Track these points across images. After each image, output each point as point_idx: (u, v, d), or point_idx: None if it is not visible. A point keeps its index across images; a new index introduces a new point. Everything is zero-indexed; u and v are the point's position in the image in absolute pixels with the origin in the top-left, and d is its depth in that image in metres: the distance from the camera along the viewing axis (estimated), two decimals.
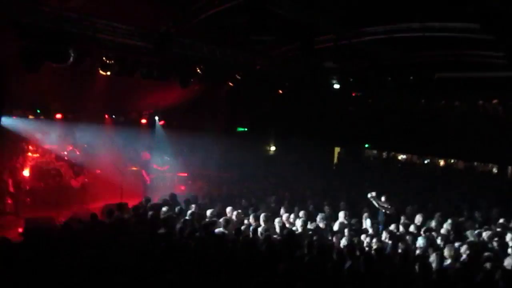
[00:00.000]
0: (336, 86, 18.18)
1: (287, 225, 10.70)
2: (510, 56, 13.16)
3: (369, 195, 12.27)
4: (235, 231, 9.61)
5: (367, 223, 10.99)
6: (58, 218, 12.64)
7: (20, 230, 11.64)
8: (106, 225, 9.96)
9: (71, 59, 10.38)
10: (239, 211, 11.55)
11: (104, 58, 12.08)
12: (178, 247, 8.23)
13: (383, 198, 12.10)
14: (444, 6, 11.81)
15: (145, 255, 7.51)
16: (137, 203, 12.55)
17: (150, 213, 10.85)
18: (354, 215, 11.68)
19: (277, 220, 10.66)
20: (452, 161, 23.35)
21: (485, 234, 9.92)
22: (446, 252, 8.55)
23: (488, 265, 7.81)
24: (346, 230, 10.01)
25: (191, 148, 20.29)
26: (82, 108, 16.53)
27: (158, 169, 18.28)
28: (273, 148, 23.24)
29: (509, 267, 7.84)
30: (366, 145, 25.00)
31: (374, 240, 9.53)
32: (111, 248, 8.02)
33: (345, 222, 11.00)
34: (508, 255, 8.66)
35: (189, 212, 10.86)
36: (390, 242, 9.41)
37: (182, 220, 10.23)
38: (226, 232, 9.68)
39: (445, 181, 18.84)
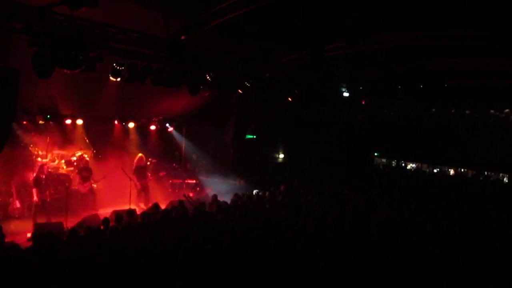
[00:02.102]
0: (346, 94, 18.16)
1: None
2: None
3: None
4: None
5: None
6: (67, 223, 12.68)
7: (29, 235, 11.69)
8: (115, 231, 9.96)
9: (82, 65, 10.43)
10: None
11: (114, 65, 12.14)
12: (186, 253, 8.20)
13: None
14: (455, 14, 11.78)
15: (153, 261, 7.50)
16: (146, 209, 12.58)
17: (158, 219, 10.85)
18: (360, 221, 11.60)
19: None
20: (463, 170, 23.16)
21: None
22: None
23: None
24: None
25: (200, 155, 20.33)
26: (92, 114, 16.59)
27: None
28: (281, 156, 23.20)
29: None
30: (376, 153, 24.91)
31: None
32: (119, 254, 8.01)
33: None
34: None
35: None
36: None
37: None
38: None
39: (455, 190, 18.65)
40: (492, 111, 18.85)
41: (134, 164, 16.97)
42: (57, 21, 10.11)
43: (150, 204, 14.07)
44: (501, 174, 21.41)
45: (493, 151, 18.22)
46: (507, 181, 20.90)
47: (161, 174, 17.53)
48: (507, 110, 18.30)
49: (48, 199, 13.86)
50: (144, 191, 16.57)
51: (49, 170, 14.89)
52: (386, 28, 13.79)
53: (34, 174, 14.06)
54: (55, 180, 15.22)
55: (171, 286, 6.67)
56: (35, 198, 13.52)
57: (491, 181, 21.74)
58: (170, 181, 18.35)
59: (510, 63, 14.19)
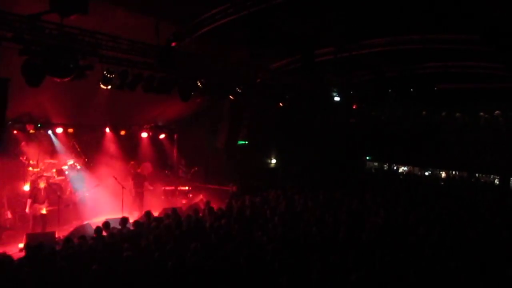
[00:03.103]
0: (337, 98, 18.21)
1: None
2: (511, 67, 13.22)
3: None
4: None
5: None
6: (59, 233, 12.57)
7: (21, 245, 11.58)
8: (107, 240, 9.89)
9: (73, 73, 10.38)
10: None
11: (105, 72, 12.09)
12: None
13: None
14: (445, 18, 11.87)
15: (146, 270, 7.46)
16: (138, 218, 12.51)
17: (151, 226, 10.79)
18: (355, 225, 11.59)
19: None
20: (454, 172, 23.27)
21: None
22: None
23: None
24: None
25: (192, 161, 20.27)
26: (83, 122, 16.51)
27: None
28: (274, 161, 23.20)
29: None
30: (368, 157, 24.99)
31: None
32: (112, 263, 7.95)
33: None
34: None
35: None
36: None
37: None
38: None
39: (446, 192, 18.73)
40: (481, 113, 18.98)
41: (135, 170, 17.04)
42: (47, 29, 10.08)
43: (143, 212, 14.01)
44: (492, 176, 21.55)
45: (483, 153, 18.35)
46: (498, 182, 21.03)
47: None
48: (497, 112, 18.44)
49: (46, 212, 13.69)
50: (138, 197, 16.52)
51: (49, 181, 14.80)
52: (376, 32, 13.86)
53: (29, 186, 13.93)
54: (47, 189, 15.10)
55: None
56: (27, 209, 13.40)
57: (482, 183, 21.86)
58: (163, 188, 18.27)
59: (499, 66, 14.31)
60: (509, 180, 20.11)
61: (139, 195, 16.64)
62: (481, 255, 9.47)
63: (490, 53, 13.31)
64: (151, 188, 17.26)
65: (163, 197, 18.03)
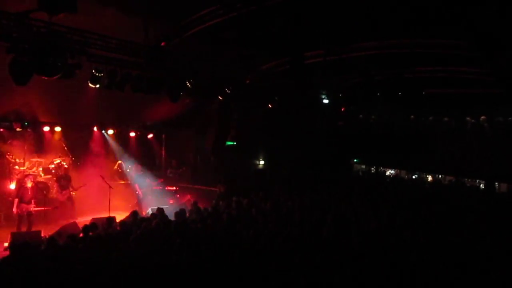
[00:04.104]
0: (326, 101, 18.28)
1: None
2: (497, 73, 13.36)
3: None
4: None
5: None
6: (45, 232, 12.49)
7: (6, 245, 11.48)
8: (93, 240, 9.84)
9: (61, 72, 10.33)
10: None
11: (94, 71, 12.06)
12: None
13: None
14: (433, 23, 11.97)
15: (131, 271, 7.43)
16: (124, 218, 12.47)
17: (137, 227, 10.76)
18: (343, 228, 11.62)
19: None
20: (440, 176, 23.44)
21: None
22: None
23: None
24: None
25: (180, 162, 20.25)
26: (71, 121, 16.43)
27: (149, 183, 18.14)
28: (262, 162, 23.22)
29: None
30: (355, 160, 25.10)
31: None
32: (98, 263, 7.92)
33: None
34: None
35: None
36: None
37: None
38: None
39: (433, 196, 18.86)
40: (468, 118, 19.17)
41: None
42: (35, 27, 10.02)
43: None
44: (477, 181, 21.74)
45: (469, 158, 18.53)
46: (483, 187, 21.23)
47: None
48: (483, 117, 18.62)
49: (33, 211, 13.59)
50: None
51: (36, 179, 14.71)
52: (365, 36, 13.93)
53: (15, 184, 13.84)
54: (33, 188, 15.01)
55: None
56: (14, 209, 13.29)
57: (468, 187, 22.05)
58: (151, 188, 18.23)
59: (485, 71, 14.46)
60: (494, 184, 20.31)
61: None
62: (465, 259, 9.57)
63: (477, 59, 13.44)
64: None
65: (149, 197, 17.99)
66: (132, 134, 18.86)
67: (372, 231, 11.52)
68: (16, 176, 15.02)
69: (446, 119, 19.92)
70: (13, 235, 11.58)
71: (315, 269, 8.09)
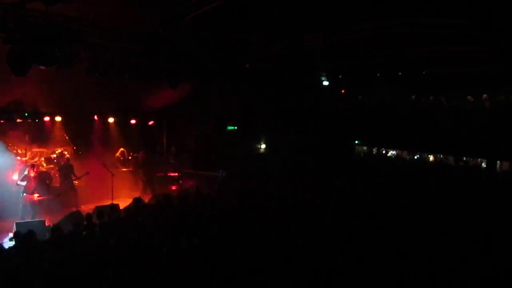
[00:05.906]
0: (326, 83, 18.22)
1: None
2: (498, 50, 13.28)
3: None
4: None
5: None
6: (49, 221, 12.57)
7: (11, 234, 11.56)
8: (98, 227, 9.91)
9: (59, 61, 10.31)
10: None
11: (92, 60, 12.01)
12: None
13: None
14: (432, 2, 11.87)
15: (136, 256, 7.48)
16: (128, 204, 12.54)
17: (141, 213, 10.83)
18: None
19: None
20: (442, 156, 23.43)
21: None
22: None
23: None
24: None
25: (181, 147, 20.28)
26: (71, 110, 16.43)
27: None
28: (263, 146, 23.24)
29: None
30: (357, 142, 25.09)
31: None
32: (103, 250, 7.99)
33: None
34: None
35: None
36: None
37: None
38: None
39: (435, 176, 18.88)
40: (469, 97, 19.09)
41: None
42: (31, 17, 9.96)
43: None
44: (479, 159, 21.74)
45: (471, 137, 18.46)
46: (485, 166, 21.23)
47: None
48: (484, 96, 18.55)
49: (37, 201, 13.67)
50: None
51: (39, 169, 14.77)
52: (365, 17, 13.82)
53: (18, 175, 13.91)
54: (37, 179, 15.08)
55: (153, 283, 6.66)
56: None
57: (470, 167, 22.07)
58: (153, 175, 18.32)
59: (486, 50, 14.37)
60: (495, 163, 20.31)
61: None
62: (465, 238, 9.61)
63: (477, 37, 13.35)
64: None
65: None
66: (133, 121, 18.87)
67: (374, 213, 11.58)
68: (19, 167, 15.07)
69: (446, 98, 19.85)
70: (17, 224, 11.67)
71: (319, 252, 8.15)
